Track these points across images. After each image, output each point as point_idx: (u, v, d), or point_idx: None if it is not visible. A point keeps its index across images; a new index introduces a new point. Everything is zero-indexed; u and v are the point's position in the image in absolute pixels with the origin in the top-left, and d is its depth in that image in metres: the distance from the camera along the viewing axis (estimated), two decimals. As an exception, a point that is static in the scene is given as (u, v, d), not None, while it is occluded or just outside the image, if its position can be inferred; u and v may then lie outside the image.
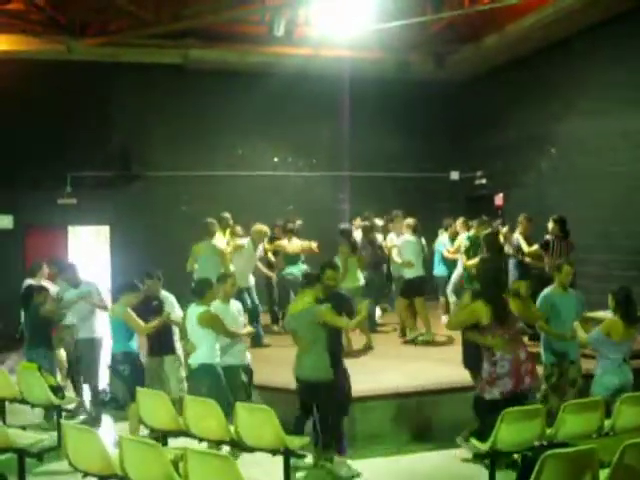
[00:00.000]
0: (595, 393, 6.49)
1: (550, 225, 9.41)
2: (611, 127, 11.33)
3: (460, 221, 11.42)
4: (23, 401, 7.57)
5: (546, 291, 7.37)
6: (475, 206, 14.49)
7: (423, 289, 10.30)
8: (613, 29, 11.00)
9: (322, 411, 6.58)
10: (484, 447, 5.70)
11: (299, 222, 11.61)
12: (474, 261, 9.32)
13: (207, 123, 14.35)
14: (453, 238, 11.57)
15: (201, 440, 6.23)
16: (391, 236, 11.04)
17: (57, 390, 7.50)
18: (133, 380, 7.19)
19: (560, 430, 5.71)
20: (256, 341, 9.70)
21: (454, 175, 15.66)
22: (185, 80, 13.95)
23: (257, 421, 5.85)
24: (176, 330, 7.81)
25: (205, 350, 6.82)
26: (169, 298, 7.99)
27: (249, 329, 7.68)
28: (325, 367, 6.44)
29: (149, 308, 7.62)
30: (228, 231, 10.74)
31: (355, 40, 12.47)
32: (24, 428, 7.32)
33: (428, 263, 11.02)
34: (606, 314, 8.32)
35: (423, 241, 10.58)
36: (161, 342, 7.79)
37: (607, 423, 5.90)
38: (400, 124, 15.02)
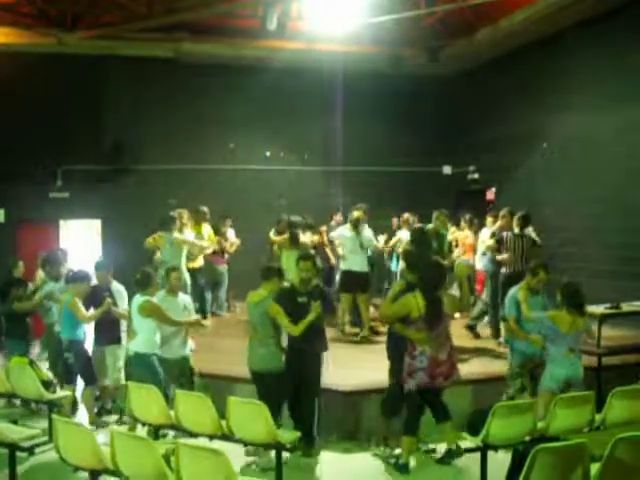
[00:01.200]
0: (543, 386, 6.49)
1: (514, 221, 9.34)
2: (603, 123, 11.34)
3: (404, 217, 11.46)
4: (14, 395, 7.54)
5: (513, 291, 7.30)
6: (467, 201, 14.52)
7: (362, 284, 10.20)
8: (606, 24, 11.01)
9: (271, 399, 6.51)
10: (476, 441, 5.71)
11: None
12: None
13: (199, 117, 14.32)
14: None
15: (192, 434, 6.22)
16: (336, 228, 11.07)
17: (48, 384, 7.50)
18: (78, 367, 7.60)
19: (551, 424, 5.72)
20: None
21: (446, 169, 15.69)
22: (177, 73, 13.89)
23: (249, 415, 5.85)
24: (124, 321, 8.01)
25: (141, 339, 7.12)
26: (119, 290, 8.14)
27: (194, 318, 7.70)
28: (275, 358, 6.64)
29: (98, 298, 7.83)
30: (204, 225, 11.14)
31: (348, 34, 12.46)
32: (15, 422, 7.31)
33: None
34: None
35: (369, 235, 10.45)
36: (105, 332, 7.99)
37: (598, 417, 5.92)
38: (393, 118, 15.02)
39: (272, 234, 11.36)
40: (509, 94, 13.64)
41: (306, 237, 10.91)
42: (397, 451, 6.74)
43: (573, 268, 11.31)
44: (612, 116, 11.17)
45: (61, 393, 7.67)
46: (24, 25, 12.23)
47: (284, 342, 6.82)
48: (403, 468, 6.42)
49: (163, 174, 14.20)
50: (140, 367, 7.11)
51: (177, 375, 7.40)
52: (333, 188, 14.92)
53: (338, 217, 12.25)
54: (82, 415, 7.97)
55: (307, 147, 15.26)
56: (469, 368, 7.92)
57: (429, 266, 6.78)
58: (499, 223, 9.86)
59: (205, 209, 11.22)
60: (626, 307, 8.81)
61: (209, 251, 11.14)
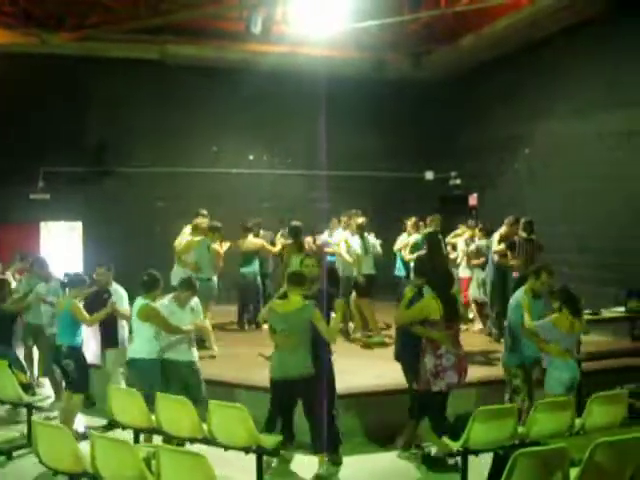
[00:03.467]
0: (549, 390, 6.50)
1: (519, 227, 9.65)
2: (586, 128, 11.43)
3: (411, 221, 11.50)
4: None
5: (516, 295, 7.32)
6: (449, 206, 14.59)
7: (365, 289, 10.25)
8: (588, 31, 11.09)
9: (307, 406, 6.55)
10: (456, 445, 5.73)
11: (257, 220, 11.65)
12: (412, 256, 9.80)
13: (183, 119, 14.27)
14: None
15: (173, 438, 6.19)
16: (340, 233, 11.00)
17: (27, 387, 7.44)
18: (77, 374, 7.35)
19: (532, 429, 5.76)
20: None
21: (428, 175, 15.74)
22: (162, 76, 13.84)
23: (230, 419, 5.83)
24: (125, 323, 7.86)
25: (137, 344, 6.97)
26: (119, 291, 7.96)
27: (196, 324, 7.32)
28: (309, 364, 6.41)
29: (99, 300, 7.69)
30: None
31: (332, 39, 12.49)
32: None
33: (381, 263, 10.98)
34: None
35: (372, 240, 10.59)
36: (106, 335, 7.88)
37: (578, 422, 5.97)
38: (375, 123, 15.06)
39: (281, 238, 11.32)
40: (492, 100, 13.71)
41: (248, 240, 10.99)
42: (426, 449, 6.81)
43: (555, 273, 11.38)
44: (594, 122, 11.26)
45: (42, 396, 7.61)
46: (7, 25, 12.14)
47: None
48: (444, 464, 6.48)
49: (146, 176, 14.14)
50: (135, 372, 7.01)
51: (183, 379, 7.12)
52: (316, 192, 14.93)
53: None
54: (79, 421, 7.83)
55: (290, 151, 15.28)
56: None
57: (442, 270, 6.91)
58: (504, 229, 9.92)
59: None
60: (606, 313, 8.88)
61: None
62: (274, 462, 6.62)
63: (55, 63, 13.04)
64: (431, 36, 13.64)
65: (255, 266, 11.24)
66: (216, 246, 9.60)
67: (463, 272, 11.26)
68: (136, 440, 6.37)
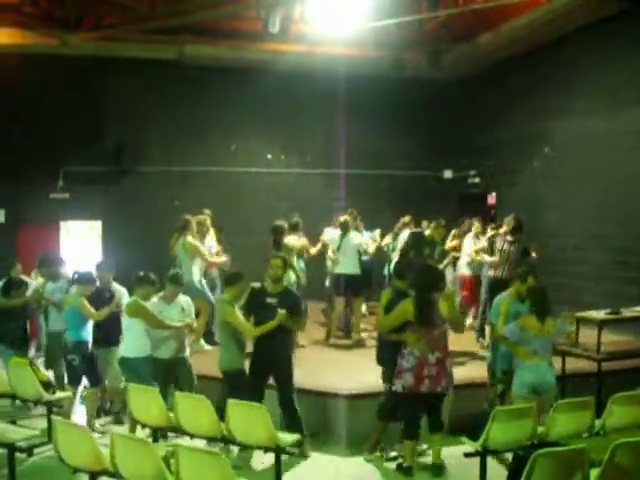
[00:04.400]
0: (515, 393, 6.48)
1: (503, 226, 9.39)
2: (605, 127, 11.34)
3: (405, 220, 11.42)
4: (14, 396, 7.54)
5: (500, 297, 7.31)
6: (468, 205, 14.52)
7: (353, 287, 10.26)
8: (607, 28, 11.00)
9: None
10: (475, 445, 5.70)
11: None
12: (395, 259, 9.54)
13: (201, 119, 14.33)
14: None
15: (192, 437, 6.23)
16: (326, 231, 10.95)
17: (48, 385, 7.49)
18: (83, 369, 7.59)
19: (551, 429, 5.72)
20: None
21: (447, 174, 15.69)
22: (179, 76, 13.89)
23: (249, 418, 5.84)
24: None
25: (126, 342, 7.24)
26: (120, 290, 8.15)
27: (186, 321, 7.53)
28: (234, 359, 6.86)
29: (101, 298, 7.85)
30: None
31: (350, 38, 12.45)
32: (14, 423, 7.32)
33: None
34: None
35: (361, 238, 10.51)
36: (106, 334, 7.94)
37: (598, 422, 5.92)
38: (394, 122, 15.01)
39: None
40: (510, 98, 13.64)
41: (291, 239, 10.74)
42: (392, 454, 6.79)
43: (574, 272, 11.33)
44: (613, 120, 11.17)
45: (61, 394, 7.66)
46: (27, 26, 12.24)
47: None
48: (407, 471, 6.42)
49: (164, 176, 14.21)
50: (125, 370, 7.21)
51: (175, 376, 7.41)
52: (334, 191, 14.92)
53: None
54: (81, 416, 7.95)
55: (309, 150, 15.27)
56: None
57: (422, 269, 6.83)
58: (504, 228, 9.71)
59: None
60: (627, 312, 8.80)
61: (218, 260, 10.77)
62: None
63: (74, 63, 13.12)
64: (449, 34, 13.58)
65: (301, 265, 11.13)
66: (194, 242, 9.55)
67: (465, 270, 11.08)
68: (155, 439, 6.40)
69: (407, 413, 6.49)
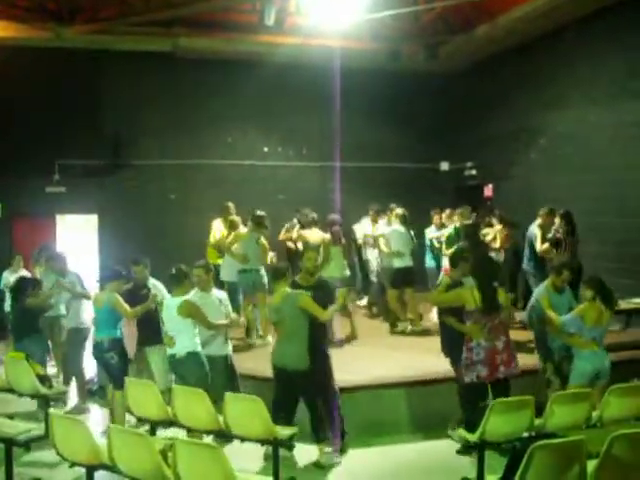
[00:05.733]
0: (572, 382, 6.59)
1: (557, 221, 9.27)
2: (602, 118, 11.34)
3: (447, 213, 11.41)
4: (10, 390, 7.52)
5: (539, 290, 7.37)
6: (464, 197, 14.49)
7: (412, 279, 10.31)
8: (605, 20, 10.99)
9: (305, 398, 6.66)
10: (473, 438, 5.71)
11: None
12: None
13: (197, 112, 14.30)
14: (439, 229, 11.57)
15: (189, 430, 6.21)
16: (379, 225, 11.01)
17: (44, 379, 7.47)
18: (120, 367, 7.26)
19: (549, 421, 5.73)
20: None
21: (444, 166, 15.68)
22: (175, 68, 13.86)
23: (246, 411, 5.84)
24: None
25: (188, 339, 6.81)
26: (157, 286, 7.93)
27: (231, 318, 7.38)
28: (305, 356, 6.52)
29: (137, 296, 7.62)
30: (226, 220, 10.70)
31: (346, 30, 12.41)
32: (12, 417, 7.30)
33: (417, 254, 11.00)
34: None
35: (411, 232, 10.58)
36: (147, 332, 7.75)
37: (595, 414, 5.93)
38: (390, 114, 15.00)
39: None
40: (507, 90, 13.63)
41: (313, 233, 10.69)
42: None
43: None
44: (611, 112, 11.16)
45: (61, 388, 7.66)
46: (21, 19, 12.18)
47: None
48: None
49: (160, 169, 14.18)
50: (194, 367, 6.77)
51: (222, 374, 7.17)
52: (331, 184, 14.90)
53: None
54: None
55: (305, 142, 15.25)
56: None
57: (481, 259, 6.90)
58: (540, 222, 9.53)
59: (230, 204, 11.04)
60: (623, 304, 8.82)
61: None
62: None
63: (69, 56, 13.05)
64: (446, 27, 13.55)
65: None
66: (264, 240, 9.72)
67: None
68: (153, 432, 6.39)
69: (472, 403, 6.49)
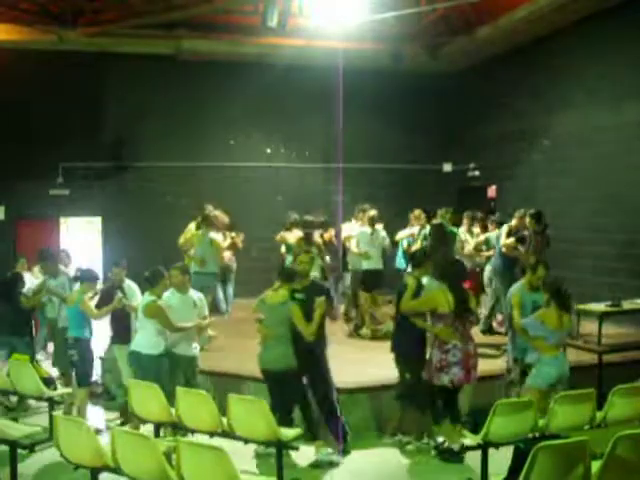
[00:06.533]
0: (532, 384, 6.51)
1: (527, 219, 9.33)
2: (605, 120, 11.32)
3: (415, 213, 11.33)
4: (14, 392, 7.53)
5: (514, 287, 7.32)
6: (467, 198, 14.51)
7: (378, 282, 10.25)
8: (607, 21, 10.97)
9: (297, 398, 6.74)
10: (477, 439, 5.70)
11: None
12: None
13: (200, 114, 14.30)
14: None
15: (193, 432, 6.22)
16: (352, 225, 10.91)
17: (49, 382, 7.49)
18: (80, 366, 7.52)
19: (552, 422, 5.72)
20: None
21: (447, 167, 15.66)
22: (178, 70, 13.87)
23: (250, 413, 5.84)
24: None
25: (141, 337, 7.01)
26: (131, 286, 8.04)
27: (200, 322, 7.35)
28: (291, 356, 6.63)
29: (110, 296, 7.80)
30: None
31: (348, 31, 12.41)
32: (16, 419, 7.31)
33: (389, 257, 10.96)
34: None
35: (384, 233, 10.52)
36: (117, 331, 7.92)
37: (599, 415, 5.92)
38: (393, 115, 14.99)
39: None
40: (509, 91, 13.61)
41: (293, 234, 10.69)
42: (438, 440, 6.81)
43: (574, 265, 11.30)
44: (613, 113, 11.15)
45: (64, 390, 7.67)
46: (25, 22, 12.20)
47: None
48: (454, 455, 6.45)
49: (163, 171, 14.19)
50: (136, 365, 7.02)
51: (184, 373, 7.24)
52: (333, 185, 14.89)
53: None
54: (91, 413, 7.91)
55: (308, 144, 15.24)
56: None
57: (451, 262, 6.88)
58: (514, 222, 9.61)
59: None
60: (627, 305, 8.81)
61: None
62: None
63: (72, 59, 13.07)
64: (448, 27, 13.53)
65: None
66: (218, 238, 9.77)
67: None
68: (156, 434, 6.40)
69: (449, 404, 6.56)
